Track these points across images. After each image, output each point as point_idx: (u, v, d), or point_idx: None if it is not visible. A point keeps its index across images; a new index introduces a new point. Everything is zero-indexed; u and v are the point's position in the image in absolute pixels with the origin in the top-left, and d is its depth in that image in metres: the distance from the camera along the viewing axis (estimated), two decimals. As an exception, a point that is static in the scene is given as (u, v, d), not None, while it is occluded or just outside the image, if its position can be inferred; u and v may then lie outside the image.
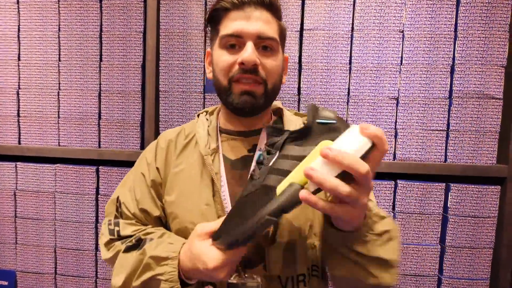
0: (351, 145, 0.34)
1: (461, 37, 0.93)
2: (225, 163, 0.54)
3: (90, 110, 1.05)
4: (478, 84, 0.94)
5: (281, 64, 0.53)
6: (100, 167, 1.05)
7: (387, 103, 0.96)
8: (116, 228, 0.54)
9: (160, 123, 1.04)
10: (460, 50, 0.94)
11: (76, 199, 1.05)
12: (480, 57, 0.94)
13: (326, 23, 0.96)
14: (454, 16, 0.94)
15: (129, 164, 1.06)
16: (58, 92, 1.06)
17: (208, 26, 0.56)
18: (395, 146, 0.97)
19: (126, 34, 1.03)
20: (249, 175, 0.44)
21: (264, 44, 0.50)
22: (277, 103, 0.61)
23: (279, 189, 0.37)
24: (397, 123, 0.97)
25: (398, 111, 0.96)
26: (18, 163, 1.08)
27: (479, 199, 0.95)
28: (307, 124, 0.39)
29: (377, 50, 0.95)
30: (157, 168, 0.57)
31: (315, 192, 0.35)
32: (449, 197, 0.96)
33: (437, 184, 0.96)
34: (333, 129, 0.38)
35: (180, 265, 0.46)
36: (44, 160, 1.09)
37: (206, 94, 1.02)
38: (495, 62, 0.93)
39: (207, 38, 1.00)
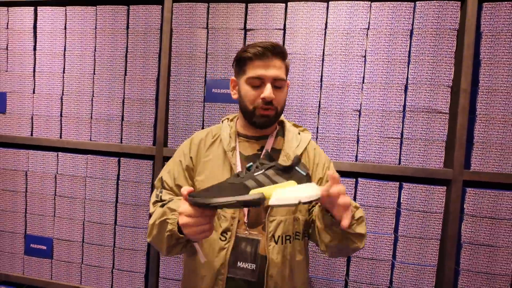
0: (309, 191, 0.56)
1: (413, 61, 1.13)
2: (240, 157, 0.77)
3: (115, 113, 1.33)
4: (427, 100, 1.12)
5: (286, 92, 0.77)
6: (121, 159, 1.32)
7: (351, 114, 1.17)
8: (160, 194, 0.77)
9: (168, 125, 1.30)
10: (412, 72, 1.13)
11: (101, 183, 1.33)
12: (430, 78, 1.12)
13: (302, 48, 1.19)
14: (408, 44, 1.13)
15: (144, 156, 1.33)
16: (92, 98, 1.35)
17: (234, 63, 0.79)
18: (357, 150, 1.17)
19: (145, 54, 1.31)
20: (236, 173, 0.61)
21: (276, 84, 0.73)
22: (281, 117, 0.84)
23: (252, 192, 0.55)
24: (359, 131, 1.17)
25: (360, 121, 1.17)
26: (59, 153, 1.37)
27: (427, 197, 1.12)
28: (290, 166, 0.59)
29: (343, 71, 1.17)
30: (191, 157, 0.80)
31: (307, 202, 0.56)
32: (402, 194, 1.14)
33: (391, 183, 1.15)
34: (300, 178, 0.58)
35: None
36: (79, 151, 1.38)
37: (205, 103, 1.27)
38: (442, 83, 1.12)
39: (207, 61, 1.26)
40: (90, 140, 1.36)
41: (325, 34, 1.18)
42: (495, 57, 1.09)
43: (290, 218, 0.75)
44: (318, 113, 1.19)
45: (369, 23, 1.15)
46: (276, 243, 0.73)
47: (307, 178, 0.58)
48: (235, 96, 0.80)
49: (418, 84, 1.13)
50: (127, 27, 1.32)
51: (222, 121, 0.85)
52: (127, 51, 1.33)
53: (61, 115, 1.38)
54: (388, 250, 1.15)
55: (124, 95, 1.33)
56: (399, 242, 1.14)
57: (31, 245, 1.38)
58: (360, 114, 1.17)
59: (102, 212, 1.33)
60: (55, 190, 1.37)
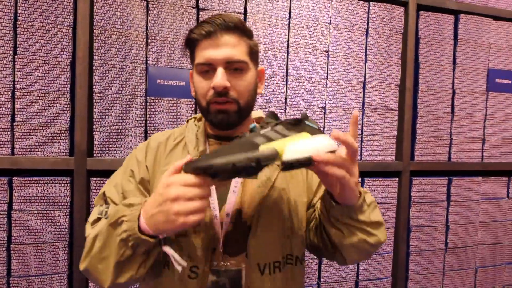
0: (325, 141, 0.49)
1: (369, 59, 1.17)
2: None
3: (0, 111, 0.89)
4: (381, 98, 1.19)
5: (253, 80, 0.59)
6: (14, 178, 0.89)
7: (316, 112, 1.12)
8: (105, 210, 0.56)
9: (94, 127, 0.95)
10: (369, 70, 1.17)
11: (-22, 219, 0.87)
12: (382, 77, 1.18)
13: (266, 38, 1.06)
14: (365, 42, 1.16)
15: (56, 172, 0.94)
16: (-50, 88, 0.86)
17: (186, 49, 0.60)
18: (323, 148, 1.13)
19: (49, 26, 0.91)
20: (237, 135, 0.49)
21: (234, 67, 0.55)
22: (258, 112, 0.68)
23: (262, 147, 0.45)
24: (324, 129, 1.13)
25: (325, 119, 1.13)
26: None
27: (384, 189, 1.19)
28: (300, 120, 0.52)
29: (308, 65, 1.10)
30: (146, 166, 0.61)
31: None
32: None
33: (355, 179, 1.16)
34: (313, 131, 0.51)
35: (144, 213, 0.48)
36: None
37: (148, 97, 0.98)
38: (392, 81, 1.20)
39: (147, 44, 0.98)
40: (-49, 153, 0.86)
41: (289, 24, 1.08)
42: (430, 61, 1.23)
43: (280, 238, 0.60)
44: (285, 110, 1.09)
45: (330, 17, 1.12)
46: (262, 273, 0.57)
47: (319, 132, 0.53)
48: (194, 93, 0.62)
49: (373, 82, 1.17)
50: (15, -17, 0.89)
51: (187, 121, 0.67)
52: (16, 19, 0.90)
53: None
54: (354, 245, 1.16)
55: (13, 85, 0.90)
56: (363, 236, 1.17)
57: None
58: (325, 111, 1.13)
59: (-17, 263, 0.87)
60: None
